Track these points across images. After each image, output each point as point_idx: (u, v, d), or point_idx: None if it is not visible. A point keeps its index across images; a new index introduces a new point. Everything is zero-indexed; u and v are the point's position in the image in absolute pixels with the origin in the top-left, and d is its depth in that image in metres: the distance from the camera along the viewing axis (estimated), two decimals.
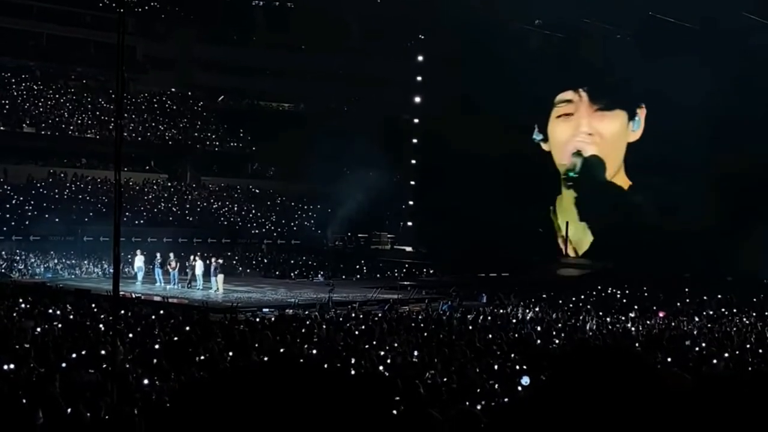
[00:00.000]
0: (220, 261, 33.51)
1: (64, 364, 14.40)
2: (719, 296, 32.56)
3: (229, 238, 47.79)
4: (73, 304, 24.37)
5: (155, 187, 53.71)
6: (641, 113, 42.98)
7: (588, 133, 44.55)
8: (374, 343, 19.30)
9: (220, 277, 32.35)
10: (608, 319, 27.21)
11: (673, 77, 36.20)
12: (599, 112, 44.41)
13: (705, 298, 32.36)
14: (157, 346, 16.63)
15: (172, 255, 34.68)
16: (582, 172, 44.53)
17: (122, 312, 20.05)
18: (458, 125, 45.10)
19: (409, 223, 54.11)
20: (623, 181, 43.38)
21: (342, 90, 59.76)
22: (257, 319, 24.28)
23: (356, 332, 21.18)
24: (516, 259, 40.99)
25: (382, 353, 17.73)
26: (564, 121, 45.52)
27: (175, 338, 18.26)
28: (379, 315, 26.51)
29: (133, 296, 28.49)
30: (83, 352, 15.62)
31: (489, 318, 26.84)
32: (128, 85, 54.05)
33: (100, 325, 19.53)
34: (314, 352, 17.46)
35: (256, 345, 17.69)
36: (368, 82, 57.23)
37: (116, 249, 8.11)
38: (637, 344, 20.51)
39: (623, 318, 27.71)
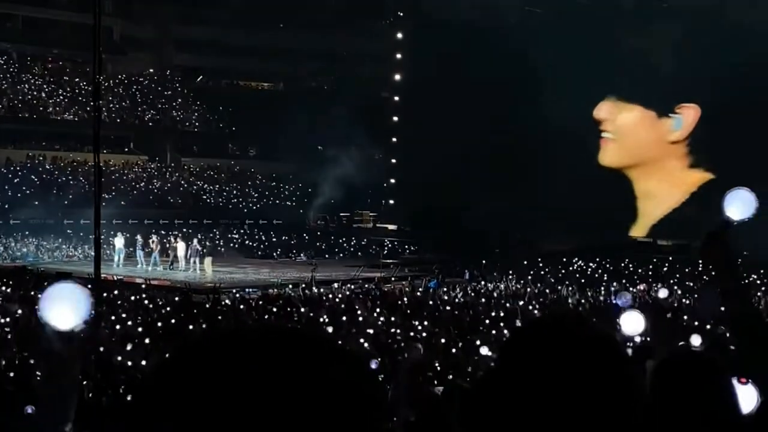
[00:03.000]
0: (207, 243, 33.37)
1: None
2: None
3: (210, 219, 47.62)
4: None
5: (135, 168, 53.43)
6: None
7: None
8: (358, 320, 19.38)
9: (208, 259, 32.21)
10: (589, 293, 27.39)
11: None
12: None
13: (687, 270, 32.59)
14: (140, 328, 16.62)
15: (154, 237, 34.62)
16: None
17: (104, 295, 19.99)
18: (439, 102, 45.03)
19: (391, 201, 54.10)
20: None
21: (321, 69, 59.53)
22: (239, 299, 24.32)
23: (339, 310, 21.24)
24: (498, 235, 41.10)
25: (368, 331, 17.82)
26: None
27: (158, 319, 18.26)
28: (363, 293, 26.60)
29: (115, 279, 28.40)
30: None
31: (472, 294, 26.97)
32: (106, 66, 53.54)
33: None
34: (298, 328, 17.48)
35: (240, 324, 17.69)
36: (348, 61, 57.05)
37: (97, 231, 8.05)
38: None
39: (603, 291, 27.91)
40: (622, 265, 34.56)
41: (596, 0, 42.25)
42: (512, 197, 41.60)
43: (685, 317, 19.43)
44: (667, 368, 2.47)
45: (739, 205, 3.01)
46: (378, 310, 21.36)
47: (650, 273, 32.51)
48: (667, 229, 41.04)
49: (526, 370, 1.32)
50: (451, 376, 11.77)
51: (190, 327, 16.57)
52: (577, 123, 39.72)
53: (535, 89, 41.15)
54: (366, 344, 16.26)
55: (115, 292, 23.72)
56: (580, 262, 35.72)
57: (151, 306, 20.92)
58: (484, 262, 34.72)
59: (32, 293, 22.70)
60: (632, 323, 4.25)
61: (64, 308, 2.12)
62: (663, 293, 20.41)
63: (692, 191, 41.44)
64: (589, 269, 34.53)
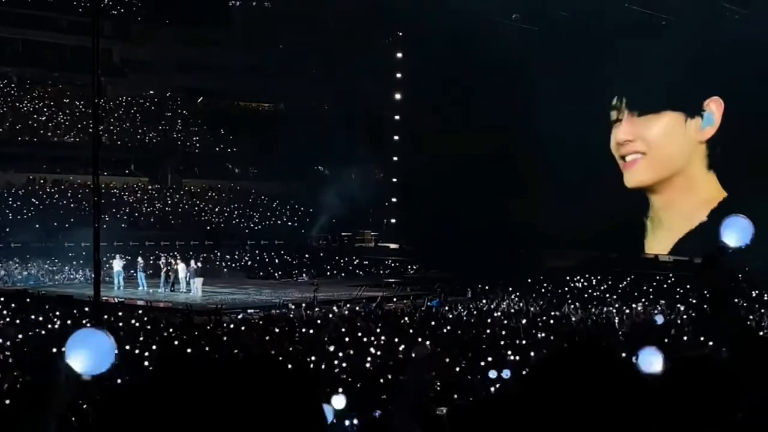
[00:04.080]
0: (199, 264, 33.25)
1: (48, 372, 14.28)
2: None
3: (212, 240, 47.63)
4: (56, 311, 24.20)
5: (136, 190, 53.47)
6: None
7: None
8: (360, 340, 19.32)
9: (199, 280, 32.05)
10: (593, 310, 27.30)
11: None
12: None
13: (688, 286, 32.51)
14: (139, 351, 16.54)
15: (163, 259, 34.58)
16: None
17: (104, 317, 19.92)
18: (439, 121, 45.19)
19: (393, 221, 54.11)
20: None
21: (322, 88, 59.69)
22: (240, 320, 24.25)
23: (342, 329, 21.17)
24: (501, 252, 40.99)
25: (372, 350, 17.77)
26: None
27: (160, 342, 18.19)
28: (365, 312, 26.54)
29: (116, 301, 28.33)
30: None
31: (474, 313, 26.88)
32: (106, 88, 53.79)
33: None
34: (300, 348, 17.43)
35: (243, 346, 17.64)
36: (348, 80, 57.17)
37: (96, 255, 8.04)
38: (620, 334, 20.61)
39: (606, 309, 27.81)
40: (625, 282, 34.42)
41: (591, 15, 42.26)
42: (515, 214, 41.57)
43: (684, 338, 19.33)
44: (679, 371, 2.59)
45: (736, 232, 3.02)
46: (379, 329, 21.29)
47: (651, 291, 32.34)
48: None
49: (554, 397, 1.39)
50: (455, 396, 11.70)
51: (189, 350, 16.50)
52: (579, 136, 39.67)
53: (534, 105, 41.22)
54: (368, 364, 16.21)
55: (119, 313, 23.68)
56: (582, 280, 35.59)
57: (150, 328, 20.85)
58: (485, 280, 34.58)
59: (33, 317, 22.66)
60: (650, 363, 4.24)
61: (88, 353, 2.11)
62: (660, 319, 20.30)
63: (712, 208, 39.57)
64: (590, 287, 34.41)
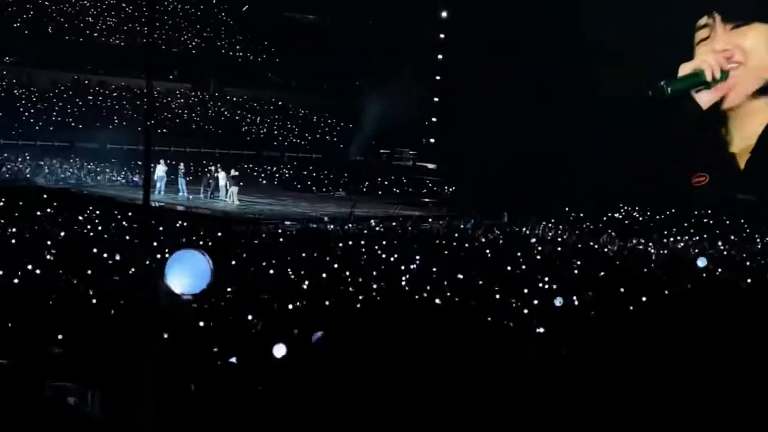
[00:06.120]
0: (234, 173, 33.35)
1: (89, 272, 14.61)
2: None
3: (252, 150, 47.84)
4: (97, 211, 24.54)
5: (178, 96, 53.55)
6: None
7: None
8: (394, 258, 19.50)
9: (234, 188, 32.20)
10: (631, 241, 27.30)
11: None
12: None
13: (728, 221, 32.34)
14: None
15: (217, 167, 34.62)
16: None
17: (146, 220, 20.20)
18: (485, 41, 44.50)
19: (432, 140, 53.87)
20: None
21: (367, 3, 58.86)
22: (278, 232, 24.53)
23: (376, 247, 21.33)
24: (539, 178, 40.71)
25: (403, 268, 17.94)
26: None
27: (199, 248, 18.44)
28: (400, 231, 26.72)
29: (156, 205, 28.64)
30: (108, 261, 15.84)
31: (511, 238, 26.98)
32: None
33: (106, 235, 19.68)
34: (336, 266, 17.61)
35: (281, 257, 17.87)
36: None
37: (147, 159, 8.09)
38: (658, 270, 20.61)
39: (643, 240, 27.78)
40: (663, 216, 34.22)
41: None
42: (555, 139, 41.07)
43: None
44: None
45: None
46: (414, 248, 21.44)
47: (691, 227, 32.15)
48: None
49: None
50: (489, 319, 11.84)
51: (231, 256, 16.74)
52: (633, 59, 38.81)
53: (587, 23, 40.40)
54: (403, 283, 16.40)
55: (157, 218, 23.95)
56: (622, 210, 35.39)
57: (191, 234, 21.12)
58: (522, 205, 34.44)
59: (75, 216, 23.03)
60: None
61: (186, 274, 2.16)
62: (702, 262, 20.17)
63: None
64: (629, 218, 34.27)
